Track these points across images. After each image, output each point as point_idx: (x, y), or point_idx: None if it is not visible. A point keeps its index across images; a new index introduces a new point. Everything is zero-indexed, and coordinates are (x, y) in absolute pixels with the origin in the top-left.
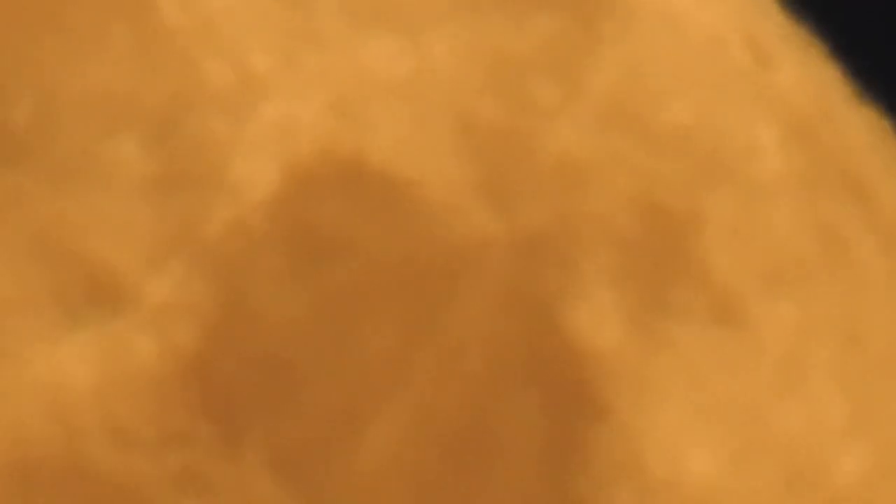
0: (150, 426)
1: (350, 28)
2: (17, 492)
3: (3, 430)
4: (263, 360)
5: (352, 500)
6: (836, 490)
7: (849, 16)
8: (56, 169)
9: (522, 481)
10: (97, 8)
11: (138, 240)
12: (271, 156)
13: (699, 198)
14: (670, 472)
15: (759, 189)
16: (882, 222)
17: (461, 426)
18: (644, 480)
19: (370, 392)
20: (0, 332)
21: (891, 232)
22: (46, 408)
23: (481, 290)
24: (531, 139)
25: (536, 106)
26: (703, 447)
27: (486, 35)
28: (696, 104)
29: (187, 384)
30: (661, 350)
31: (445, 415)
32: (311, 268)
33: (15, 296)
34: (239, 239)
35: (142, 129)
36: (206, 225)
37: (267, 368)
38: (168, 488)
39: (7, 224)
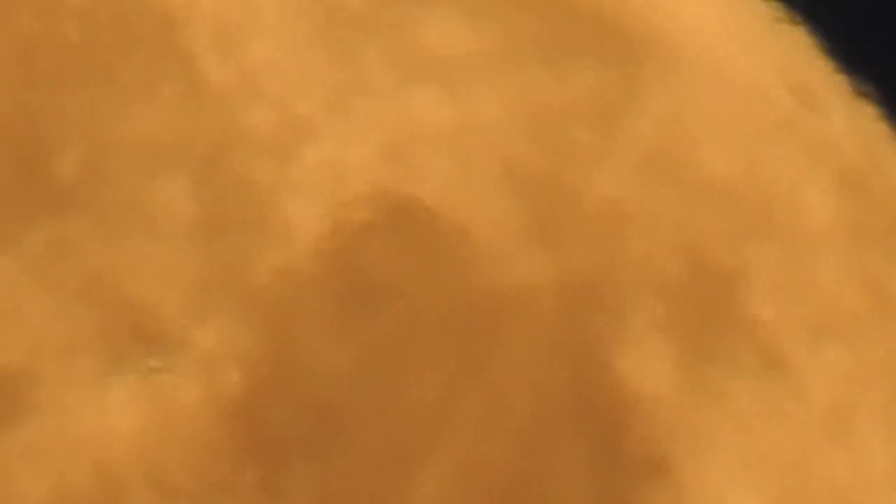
0: (193, 476)
1: (395, 78)
2: None
3: (44, 481)
4: (310, 408)
5: None
6: None
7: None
8: (102, 216)
9: None
10: (143, 61)
11: (185, 286)
12: (318, 199)
13: (744, 248)
14: None
15: (806, 239)
16: None
17: (508, 475)
18: None
19: (417, 440)
20: (45, 381)
21: None
22: (88, 459)
23: (528, 337)
24: (575, 186)
25: (579, 153)
26: (751, 498)
27: (528, 85)
28: (740, 153)
29: (232, 432)
30: (709, 399)
31: (492, 463)
32: (359, 314)
33: (60, 343)
34: (286, 284)
35: (188, 175)
36: (253, 270)
37: (313, 416)
38: None
39: (54, 272)
